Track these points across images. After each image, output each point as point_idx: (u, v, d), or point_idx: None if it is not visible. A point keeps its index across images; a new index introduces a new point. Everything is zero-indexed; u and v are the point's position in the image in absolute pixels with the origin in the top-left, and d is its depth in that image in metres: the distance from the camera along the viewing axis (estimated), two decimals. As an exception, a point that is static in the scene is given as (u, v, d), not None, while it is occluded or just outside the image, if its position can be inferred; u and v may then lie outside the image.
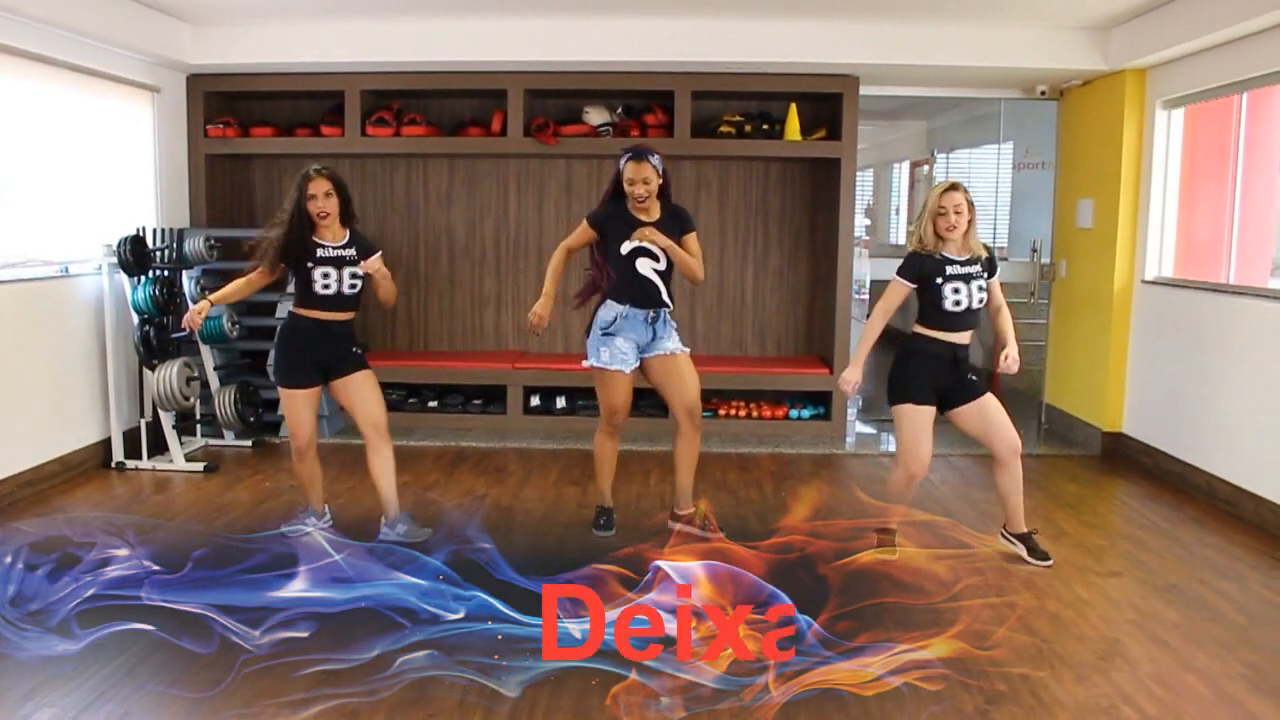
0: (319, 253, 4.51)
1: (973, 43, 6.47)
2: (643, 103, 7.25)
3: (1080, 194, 7.09)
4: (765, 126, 7.11)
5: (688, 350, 4.81)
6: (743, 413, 7.24)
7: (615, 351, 4.66)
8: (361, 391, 4.65)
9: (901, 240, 10.89)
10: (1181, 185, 6.32)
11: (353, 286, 4.59)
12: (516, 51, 6.59)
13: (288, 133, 7.28)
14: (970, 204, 4.37)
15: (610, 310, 4.67)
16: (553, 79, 7.00)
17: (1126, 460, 6.56)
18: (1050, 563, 4.56)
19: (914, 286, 4.40)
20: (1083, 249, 7.08)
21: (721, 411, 7.25)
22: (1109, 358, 6.66)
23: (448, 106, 7.52)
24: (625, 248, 4.61)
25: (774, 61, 6.60)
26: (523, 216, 7.71)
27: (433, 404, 7.29)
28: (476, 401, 7.34)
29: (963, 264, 4.37)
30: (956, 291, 4.35)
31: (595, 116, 7.12)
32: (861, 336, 4.53)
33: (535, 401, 7.29)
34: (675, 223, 4.70)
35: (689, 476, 4.90)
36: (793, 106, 7.09)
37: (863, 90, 7.02)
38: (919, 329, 4.45)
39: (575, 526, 5.07)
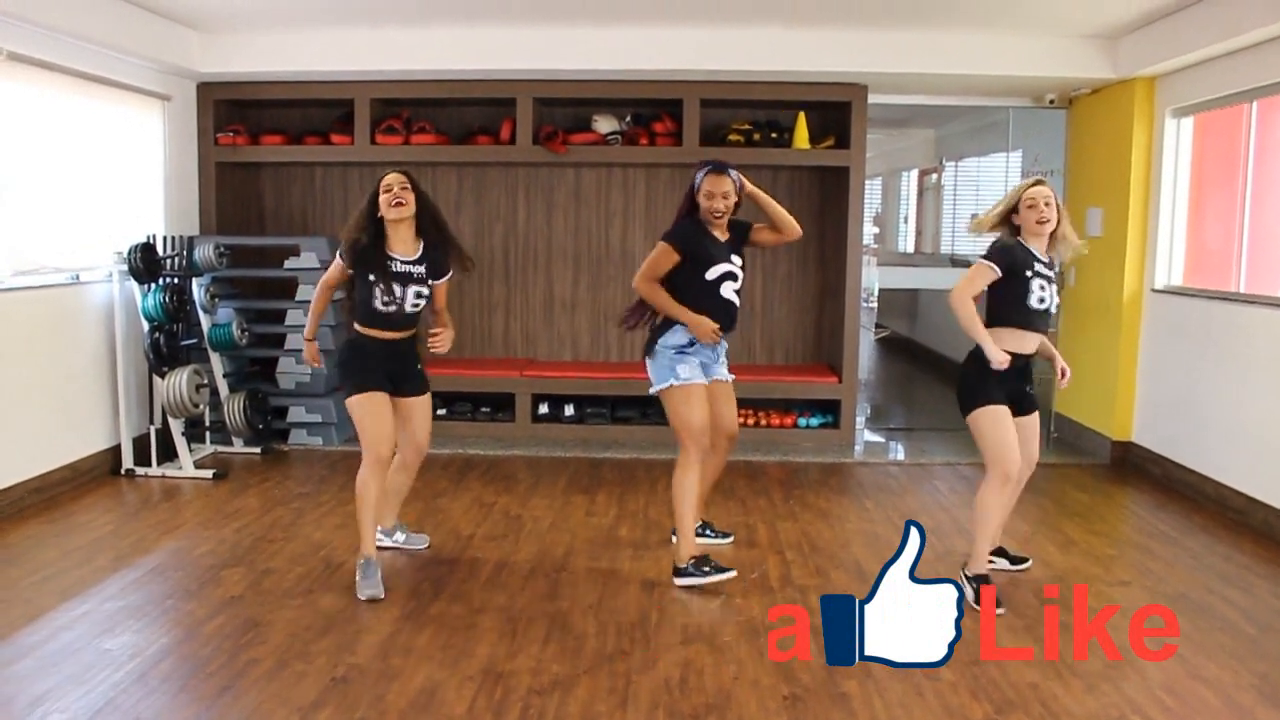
0: (389, 266, 4.18)
1: (981, 51, 6.48)
2: (651, 111, 7.26)
3: (1089, 202, 7.08)
4: (774, 135, 7.12)
5: (733, 378, 4.75)
6: (750, 421, 7.23)
7: (692, 368, 4.41)
8: (419, 415, 4.47)
9: (910, 248, 10.91)
10: (1191, 194, 6.31)
11: (415, 305, 4.27)
12: (525, 60, 6.61)
13: (297, 141, 7.31)
14: (1059, 205, 4.17)
15: (685, 334, 4.40)
16: (561, 87, 7.02)
17: (1136, 469, 6.54)
18: (1028, 564, 4.56)
19: (999, 275, 4.10)
20: (1092, 257, 7.03)
21: (729, 419, 7.24)
22: (1118, 366, 6.65)
23: (457, 115, 7.54)
24: (713, 273, 4.39)
25: (782, 70, 6.62)
26: (531, 225, 7.72)
27: (441, 411, 7.28)
28: (485, 409, 7.34)
29: (1045, 264, 4.19)
30: (1043, 289, 4.13)
31: (604, 125, 7.13)
32: (969, 322, 4.09)
33: (543, 409, 7.29)
34: (740, 234, 4.54)
35: (708, 488, 4.90)
36: (801, 115, 7.10)
37: (871, 98, 7.03)
38: (995, 328, 4.15)
39: (582, 533, 5.07)
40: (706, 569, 4.32)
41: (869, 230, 7.83)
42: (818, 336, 7.76)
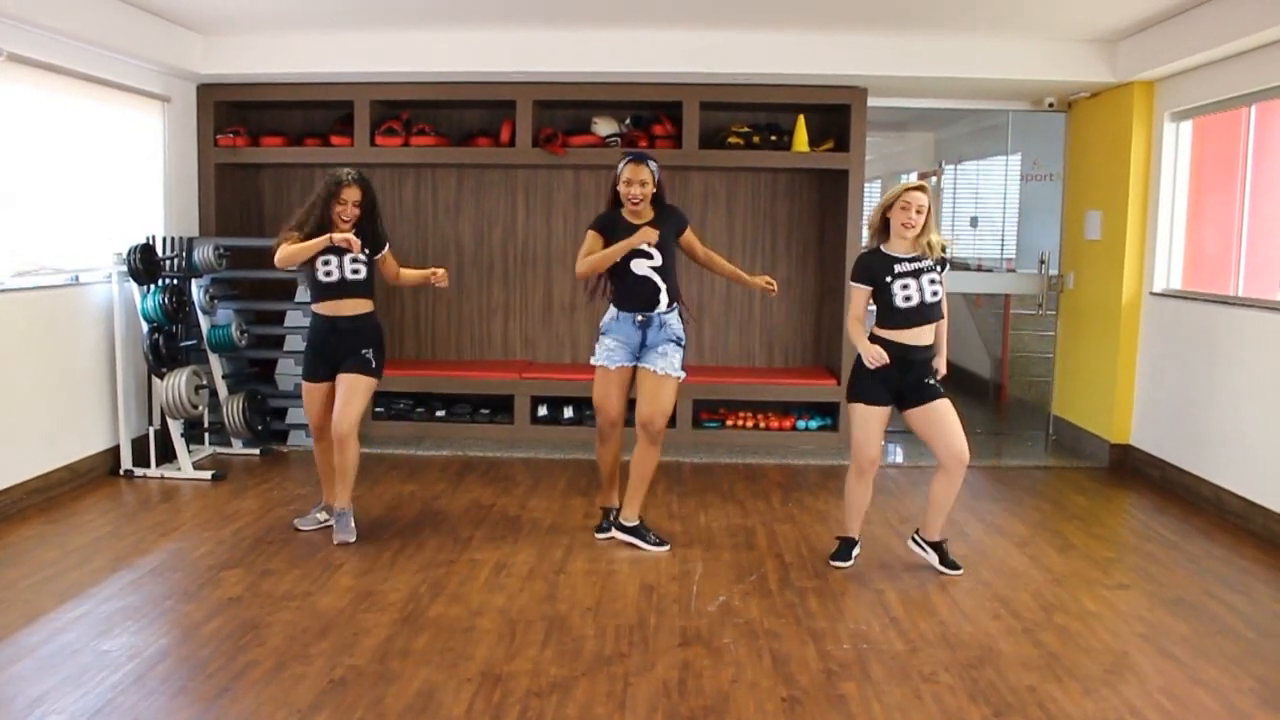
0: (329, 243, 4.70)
1: (980, 55, 6.48)
2: (651, 113, 7.26)
3: (1088, 206, 7.09)
4: (773, 137, 7.12)
5: (679, 375, 4.82)
6: (750, 423, 7.24)
7: (603, 349, 4.87)
8: (342, 391, 4.80)
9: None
10: (1190, 197, 6.31)
11: (355, 272, 4.77)
12: (525, 62, 6.62)
13: (297, 142, 7.31)
14: (931, 208, 4.40)
15: (608, 313, 4.90)
16: (561, 90, 7.02)
17: (1135, 472, 6.54)
18: (960, 572, 4.55)
19: (870, 289, 4.47)
20: (1091, 261, 7.07)
21: (729, 422, 7.25)
22: (1117, 370, 6.65)
23: (456, 117, 7.54)
24: None
25: (782, 73, 6.62)
26: (531, 227, 7.73)
27: (440, 413, 7.30)
28: (484, 411, 7.34)
29: (910, 260, 4.41)
30: (906, 288, 4.39)
31: (603, 127, 7.14)
32: (852, 337, 4.53)
33: (542, 411, 7.29)
34: (670, 222, 4.85)
35: (640, 487, 4.92)
36: (800, 118, 7.10)
37: (871, 102, 7.04)
38: (875, 330, 4.50)
39: (581, 535, 5.07)
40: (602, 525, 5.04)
41: (868, 233, 7.83)
42: (816, 339, 7.77)
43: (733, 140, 7.07)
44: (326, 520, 5.05)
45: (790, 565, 4.65)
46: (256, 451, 6.64)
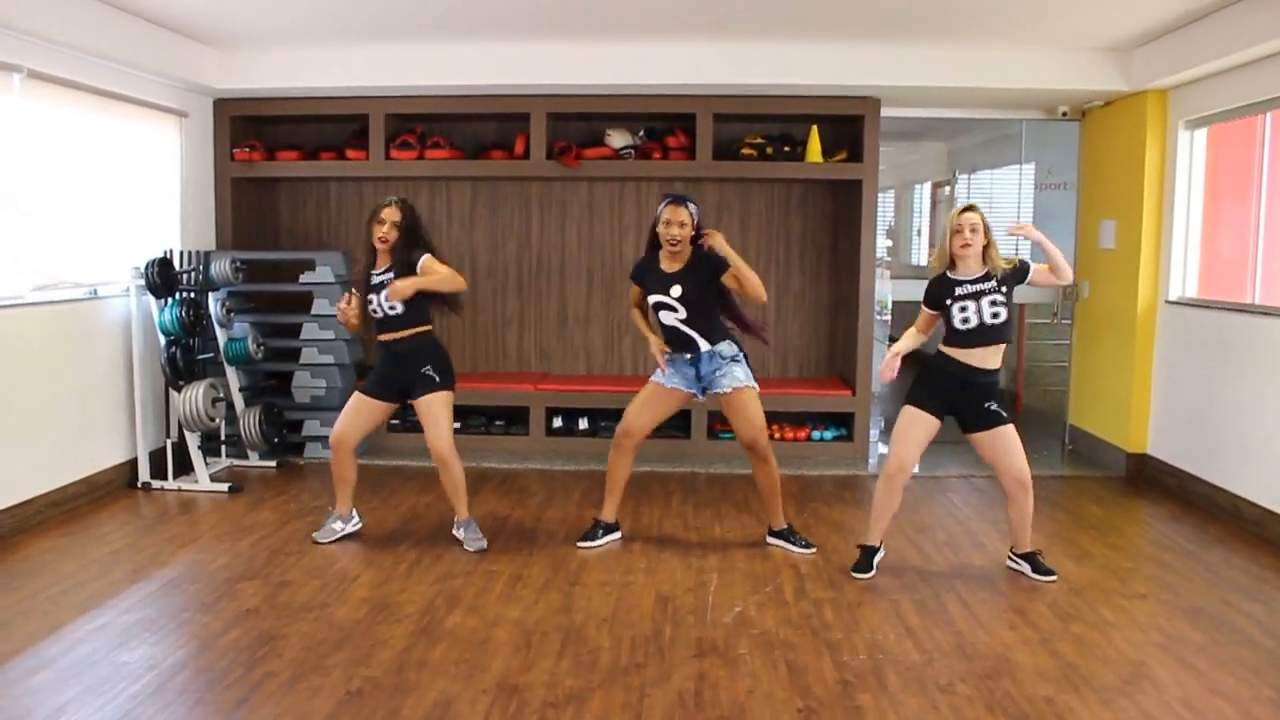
0: (371, 280, 4.87)
1: (994, 64, 6.49)
2: (665, 125, 7.28)
3: (1103, 215, 7.07)
4: (786, 148, 7.13)
5: (752, 386, 4.94)
6: (764, 434, 7.23)
7: (665, 373, 4.96)
8: (424, 417, 4.92)
9: (923, 261, 10.90)
10: (1205, 205, 6.29)
11: (393, 308, 4.82)
12: (539, 75, 6.65)
13: (313, 156, 7.35)
14: (985, 225, 4.50)
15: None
16: (575, 102, 7.05)
17: (1151, 481, 6.51)
18: (1054, 578, 4.58)
19: (934, 312, 4.61)
20: (1106, 270, 7.05)
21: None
22: (1133, 378, 6.63)
23: (471, 129, 7.58)
24: (651, 301, 4.89)
25: (795, 84, 6.64)
26: (545, 239, 7.75)
27: (456, 425, 7.26)
28: (499, 422, 7.36)
29: (972, 283, 4.48)
30: (964, 310, 4.47)
31: (617, 139, 7.16)
32: (902, 339, 4.73)
33: (558, 423, 7.30)
34: (706, 266, 4.84)
35: (772, 499, 5.06)
36: (814, 128, 7.11)
37: (884, 112, 7.04)
38: (941, 347, 4.60)
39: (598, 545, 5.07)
40: (599, 533, 5.09)
41: (882, 243, 7.84)
42: (831, 349, 7.76)
43: (746, 151, 7.08)
44: (343, 530, 5.10)
45: (805, 576, 4.65)
46: (273, 464, 6.67)
